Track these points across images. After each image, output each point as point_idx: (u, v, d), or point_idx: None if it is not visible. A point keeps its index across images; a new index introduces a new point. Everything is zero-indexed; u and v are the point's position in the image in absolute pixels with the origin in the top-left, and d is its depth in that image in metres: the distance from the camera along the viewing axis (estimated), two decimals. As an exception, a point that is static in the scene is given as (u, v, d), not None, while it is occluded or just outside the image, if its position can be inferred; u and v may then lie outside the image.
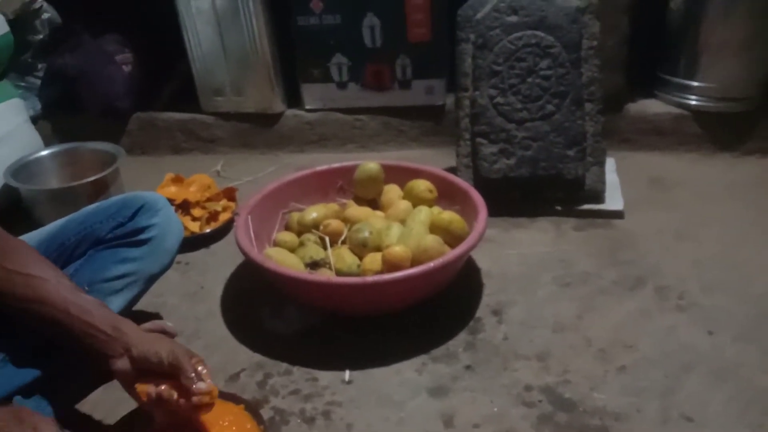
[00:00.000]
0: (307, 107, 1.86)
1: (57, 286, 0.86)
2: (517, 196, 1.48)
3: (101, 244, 1.05)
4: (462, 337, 1.14)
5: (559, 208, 1.47)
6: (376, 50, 1.74)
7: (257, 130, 1.90)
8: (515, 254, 1.36)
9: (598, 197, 1.47)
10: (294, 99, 1.88)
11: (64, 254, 1.04)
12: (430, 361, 1.09)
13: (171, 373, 0.80)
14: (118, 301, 1.03)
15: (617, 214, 1.45)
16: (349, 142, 1.86)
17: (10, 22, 1.71)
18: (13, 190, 1.52)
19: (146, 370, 0.82)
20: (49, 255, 1.00)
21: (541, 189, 1.47)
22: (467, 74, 1.45)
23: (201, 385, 0.79)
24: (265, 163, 1.86)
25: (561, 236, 1.41)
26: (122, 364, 0.82)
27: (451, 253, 1.10)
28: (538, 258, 1.34)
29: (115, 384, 0.85)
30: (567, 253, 1.35)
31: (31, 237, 1.07)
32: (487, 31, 1.41)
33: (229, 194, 1.58)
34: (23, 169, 1.56)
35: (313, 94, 1.84)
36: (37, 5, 1.80)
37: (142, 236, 1.06)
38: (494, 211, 1.27)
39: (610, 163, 1.57)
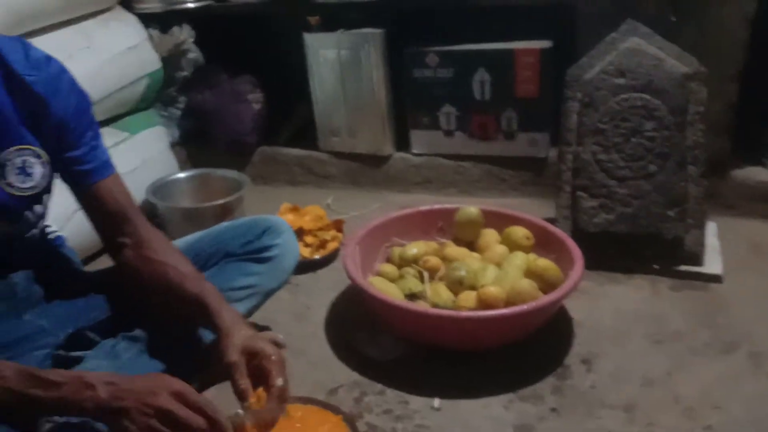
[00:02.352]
0: (414, 151, 1.98)
1: (191, 276, 1.03)
2: (615, 252, 1.51)
3: (231, 257, 1.19)
4: (550, 380, 1.18)
5: (656, 266, 1.49)
6: (484, 103, 1.84)
7: (367, 170, 2.04)
8: (609, 307, 1.38)
9: (697, 259, 1.48)
10: (402, 143, 2.01)
11: (198, 263, 1.18)
12: (517, 399, 1.14)
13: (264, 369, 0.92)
14: (239, 309, 1.16)
15: (715, 278, 1.45)
16: (452, 187, 1.96)
17: (162, 60, 1.96)
18: (152, 206, 1.73)
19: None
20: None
21: (639, 246, 1.49)
22: (572, 130, 1.52)
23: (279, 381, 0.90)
24: (371, 200, 1.99)
25: (656, 294, 1.43)
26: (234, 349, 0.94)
27: (545, 298, 1.16)
28: (631, 313, 1.36)
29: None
30: (661, 311, 1.37)
31: (175, 244, 1.24)
32: (594, 91, 1.48)
33: (338, 226, 1.71)
34: (162, 188, 1.78)
35: (420, 139, 1.96)
36: (185, 47, 2.05)
37: (266, 254, 1.19)
38: (590, 264, 1.31)
39: (711, 227, 1.57)
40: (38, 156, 1.00)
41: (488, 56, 1.79)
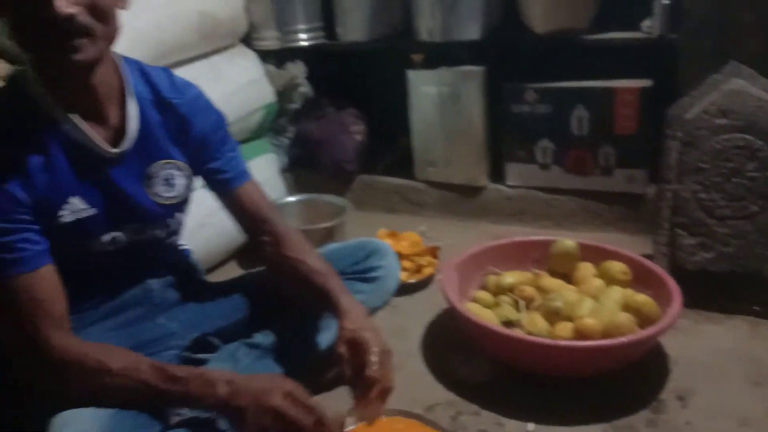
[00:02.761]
0: (509, 183, 2.04)
1: (320, 269, 1.16)
2: (713, 291, 1.50)
3: (341, 276, 1.29)
4: (644, 414, 1.20)
5: (756, 308, 1.47)
6: (582, 138, 1.88)
7: (461, 200, 2.12)
8: (705, 346, 1.38)
9: (802, 303, 1.45)
10: (497, 175, 2.07)
11: (310, 279, 1.30)
12: (611, 429, 1.16)
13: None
14: None
15: (822, 323, 1.42)
16: (546, 220, 2.00)
17: (276, 93, 2.14)
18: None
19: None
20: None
21: (739, 286, 1.48)
22: (672, 168, 1.54)
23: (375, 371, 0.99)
24: (464, 229, 2.05)
25: (756, 336, 1.41)
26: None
27: (643, 332, 1.18)
28: (728, 353, 1.35)
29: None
30: (760, 353, 1.35)
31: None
32: (695, 131, 1.50)
33: (433, 252, 1.79)
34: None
35: (516, 172, 2.02)
36: (297, 81, 2.22)
37: (372, 274, 1.29)
38: (687, 302, 1.31)
39: (818, 271, 1.53)
40: (181, 169, 1.14)
41: (587, 93, 1.84)
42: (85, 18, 0.89)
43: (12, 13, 0.89)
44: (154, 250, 1.18)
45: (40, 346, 0.96)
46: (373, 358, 1.01)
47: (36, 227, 0.98)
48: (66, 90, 0.98)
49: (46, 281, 0.98)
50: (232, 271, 1.86)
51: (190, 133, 1.14)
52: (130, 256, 1.12)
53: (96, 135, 1.02)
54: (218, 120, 1.19)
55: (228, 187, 1.19)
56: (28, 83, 0.99)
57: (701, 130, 1.49)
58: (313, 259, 1.18)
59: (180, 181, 1.14)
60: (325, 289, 1.13)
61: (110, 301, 1.16)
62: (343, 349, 1.04)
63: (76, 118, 0.99)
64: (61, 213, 1.01)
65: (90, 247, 1.07)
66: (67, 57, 0.90)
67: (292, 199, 2.00)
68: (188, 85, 1.16)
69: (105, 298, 1.16)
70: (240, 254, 1.91)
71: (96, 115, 1.02)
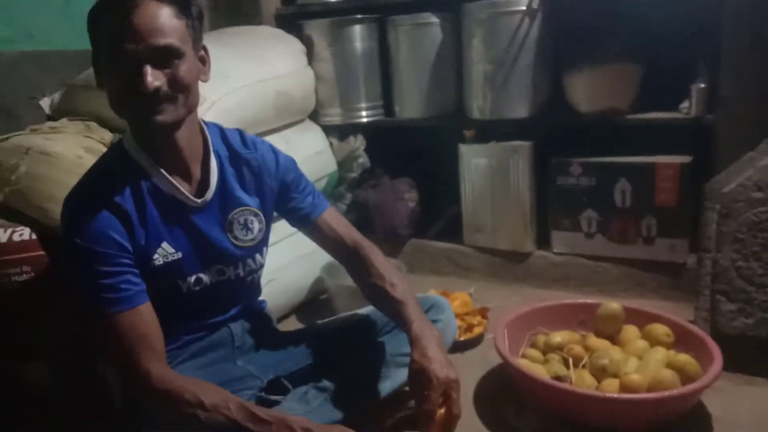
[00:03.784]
0: (555, 250, 2.15)
1: (399, 286, 1.29)
2: (754, 355, 1.56)
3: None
4: (688, 470, 1.26)
5: (798, 374, 1.53)
6: (625, 209, 1.99)
7: (507, 265, 2.23)
8: (747, 407, 1.43)
9: (844, 370, 1.50)
10: (543, 242, 2.19)
11: (376, 328, 1.41)
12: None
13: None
14: (405, 373, 1.32)
15: None
16: (590, 286, 2.09)
17: (338, 163, 2.34)
18: (319, 284, 2.03)
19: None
20: (363, 329, 1.41)
21: (780, 352, 1.55)
22: (711, 238, 1.64)
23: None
24: (510, 293, 2.15)
25: (799, 401, 1.46)
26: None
27: (686, 387, 1.26)
28: (771, 415, 1.41)
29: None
30: (803, 416, 1.40)
31: (351, 315, 1.48)
32: (733, 203, 1.61)
33: (483, 313, 1.90)
34: (332, 268, 2.06)
35: (561, 240, 2.13)
36: (357, 153, 2.41)
37: (432, 327, 1.40)
38: (728, 366, 1.38)
39: None
40: (256, 214, 1.31)
41: (630, 168, 1.96)
42: (167, 89, 1.09)
43: (113, 86, 1.10)
44: (236, 291, 1.34)
45: (143, 376, 1.10)
46: (433, 393, 1.12)
47: (135, 270, 1.15)
48: (156, 149, 1.18)
49: (146, 317, 1.14)
50: (293, 324, 2.00)
51: (266, 182, 1.32)
52: (213, 297, 1.28)
53: (182, 187, 1.20)
54: (289, 164, 1.38)
55: (310, 219, 1.38)
56: (128, 145, 1.19)
57: (738, 203, 1.60)
58: (394, 285, 1.30)
59: (256, 225, 1.31)
60: (403, 316, 1.25)
61: (198, 341, 1.31)
62: (409, 383, 1.17)
63: (166, 173, 1.18)
64: (155, 257, 1.18)
65: (179, 287, 1.23)
66: (152, 119, 1.10)
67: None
68: (258, 140, 1.35)
69: (193, 339, 1.31)
70: (299, 309, 2.07)
71: (182, 171, 1.21)
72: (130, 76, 1.06)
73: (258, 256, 1.34)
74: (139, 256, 1.16)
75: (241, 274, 1.31)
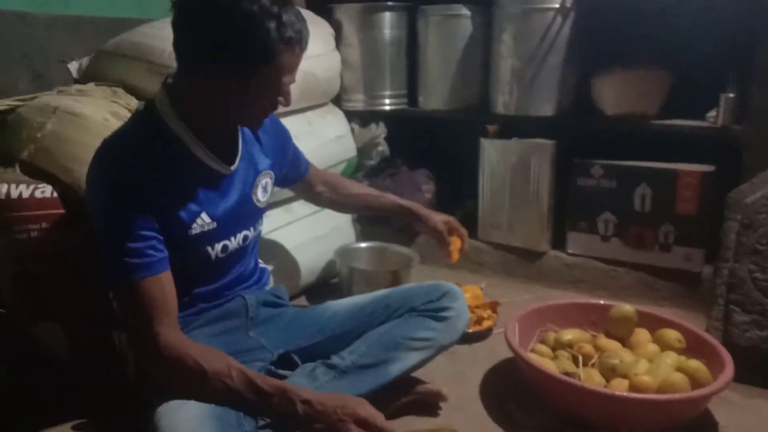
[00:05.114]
0: (570, 251, 2.15)
1: (378, 194, 1.68)
2: (765, 367, 1.55)
3: (414, 312, 1.40)
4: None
5: (809, 390, 1.51)
6: (643, 215, 1.99)
7: (521, 263, 2.23)
8: (756, 419, 1.43)
9: None
10: (559, 242, 2.18)
11: (387, 311, 1.41)
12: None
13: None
14: (415, 357, 1.36)
15: None
16: (602, 289, 2.08)
17: (358, 149, 2.33)
18: (331, 267, 2.04)
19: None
20: (376, 310, 1.41)
21: (792, 367, 1.53)
22: (730, 248, 1.63)
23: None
24: (522, 290, 2.15)
25: (809, 417, 1.45)
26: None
27: (697, 390, 1.25)
28: (780, 428, 1.40)
29: None
30: (813, 431, 1.39)
31: (363, 297, 1.48)
32: (754, 215, 1.59)
33: (493, 307, 1.90)
34: (345, 252, 2.07)
35: (577, 241, 2.12)
36: (377, 141, 2.41)
37: (443, 314, 1.39)
38: (739, 377, 1.37)
39: None
40: (271, 176, 1.39)
41: (652, 173, 1.95)
42: None
43: (260, 103, 1.18)
44: (248, 253, 1.38)
45: (152, 339, 1.11)
46: (442, 228, 1.60)
47: (161, 237, 1.15)
48: (204, 127, 1.19)
49: (165, 285, 1.15)
50: (301, 305, 2.01)
51: (276, 142, 1.41)
52: (233, 262, 1.33)
53: (216, 156, 1.22)
54: (288, 134, 1.50)
55: (300, 178, 1.59)
56: (163, 112, 1.18)
57: (760, 215, 1.59)
58: (368, 190, 1.70)
59: (270, 186, 1.39)
60: (397, 204, 1.63)
61: (213, 309, 1.32)
62: (441, 227, 1.62)
63: (202, 143, 1.20)
64: (194, 226, 1.20)
65: (208, 255, 1.25)
66: (255, 126, 1.29)
67: (363, 244, 2.15)
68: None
69: (209, 307, 1.32)
70: (308, 290, 2.08)
71: (216, 140, 1.23)
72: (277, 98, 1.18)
73: (264, 215, 1.42)
74: (176, 226, 1.17)
75: (251, 236, 1.36)
